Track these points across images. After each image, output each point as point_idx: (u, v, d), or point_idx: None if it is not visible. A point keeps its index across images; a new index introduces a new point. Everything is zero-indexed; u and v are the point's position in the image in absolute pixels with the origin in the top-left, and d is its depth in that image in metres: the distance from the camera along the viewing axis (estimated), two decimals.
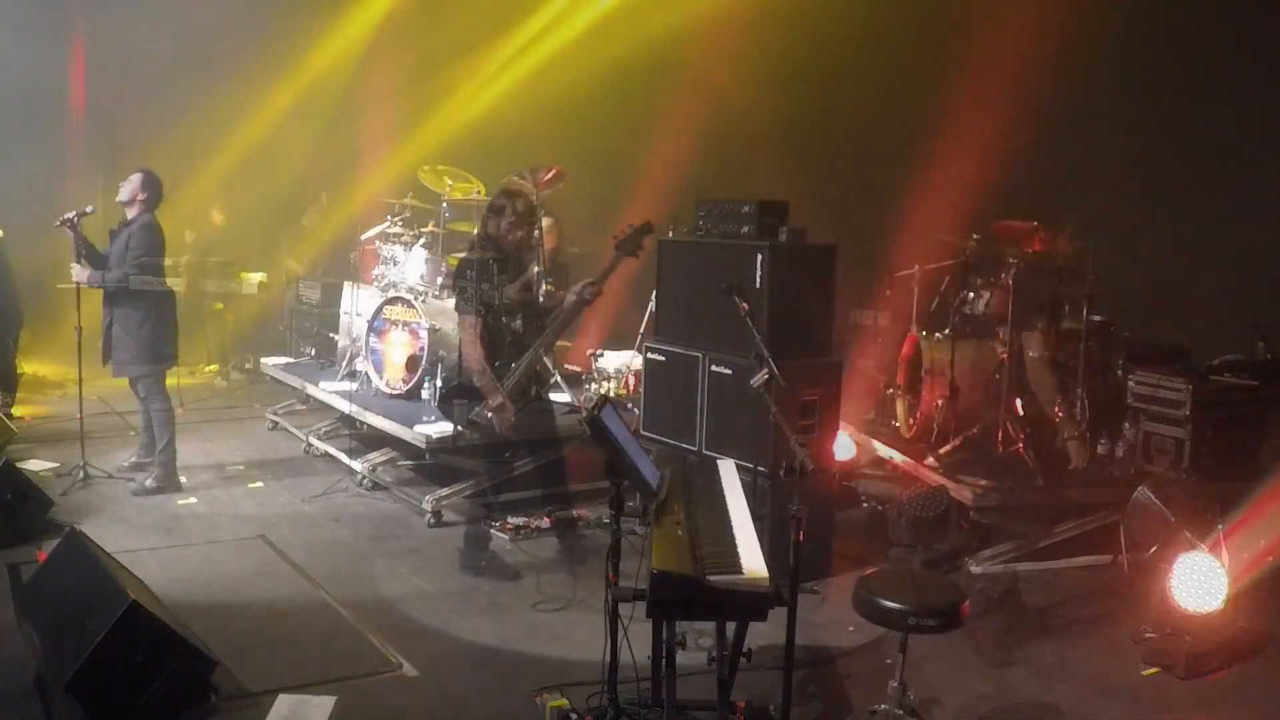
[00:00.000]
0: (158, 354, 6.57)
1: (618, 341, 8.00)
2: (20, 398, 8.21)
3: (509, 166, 7.79)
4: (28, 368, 9.01)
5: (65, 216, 6.41)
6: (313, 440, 7.83)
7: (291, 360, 9.03)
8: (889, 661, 3.82)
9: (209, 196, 11.25)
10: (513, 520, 6.26)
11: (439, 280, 7.81)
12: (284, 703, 3.99)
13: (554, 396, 6.67)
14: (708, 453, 5.43)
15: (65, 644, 3.91)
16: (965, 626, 3.61)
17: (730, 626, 3.56)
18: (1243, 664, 4.58)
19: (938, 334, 7.05)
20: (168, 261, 6.72)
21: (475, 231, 5.06)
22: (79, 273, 6.44)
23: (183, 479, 6.82)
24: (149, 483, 6.63)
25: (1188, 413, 5.99)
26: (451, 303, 7.61)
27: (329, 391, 7.71)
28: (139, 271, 6.36)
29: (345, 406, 7.47)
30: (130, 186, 6.49)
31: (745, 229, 5.50)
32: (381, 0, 10.94)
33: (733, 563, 3.14)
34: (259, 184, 11.36)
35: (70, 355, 6.74)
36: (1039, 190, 7.30)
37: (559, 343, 6.95)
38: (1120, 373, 6.60)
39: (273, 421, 8.60)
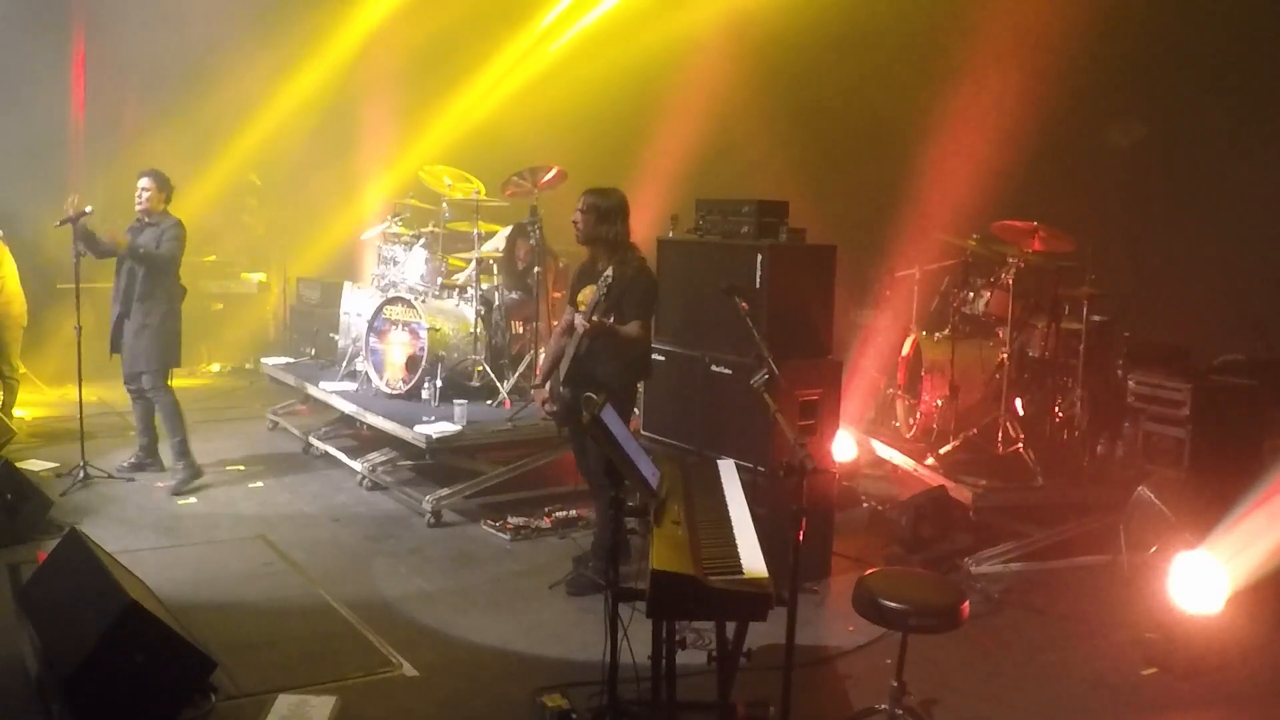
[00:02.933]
0: (168, 352, 6.65)
1: None
2: (20, 398, 8.20)
3: (509, 167, 7.79)
4: (28, 368, 9.01)
5: (66, 217, 6.42)
6: (313, 440, 7.83)
7: (291, 360, 9.03)
8: (889, 661, 3.82)
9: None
10: (513, 520, 6.26)
11: (439, 280, 7.82)
12: (284, 703, 3.99)
13: None
14: (708, 453, 5.43)
15: (65, 644, 3.91)
16: (965, 626, 3.60)
17: (730, 626, 3.56)
18: (1242, 664, 4.58)
19: (938, 334, 7.06)
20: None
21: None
22: (97, 243, 6.44)
23: None
24: (178, 479, 6.70)
25: (1188, 413, 5.98)
26: (450, 303, 7.65)
27: (329, 391, 7.72)
28: (168, 255, 6.48)
29: (345, 406, 7.48)
30: (149, 194, 6.57)
31: (745, 229, 5.49)
32: (384, 2, 10.93)
33: (733, 563, 3.14)
34: (263, 184, 11.38)
35: (70, 355, 6.74)
36: (1039, 190, 7.29)
37: None
38: (1120, 373, 6.60)
39: (273, 421, 8.60)
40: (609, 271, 4.88)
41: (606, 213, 5.09)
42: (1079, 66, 7.28)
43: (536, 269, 7.21)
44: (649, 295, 5.13)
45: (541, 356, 6.55)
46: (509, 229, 7.91)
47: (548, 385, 5.37)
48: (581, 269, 5.33)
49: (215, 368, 10.99)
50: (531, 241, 7.27)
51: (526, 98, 10.64)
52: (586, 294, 5.15)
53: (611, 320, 4.96)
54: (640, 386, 5.77)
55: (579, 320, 4.98)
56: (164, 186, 6.63)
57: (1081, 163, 7.44)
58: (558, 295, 7.68)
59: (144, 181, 6.59)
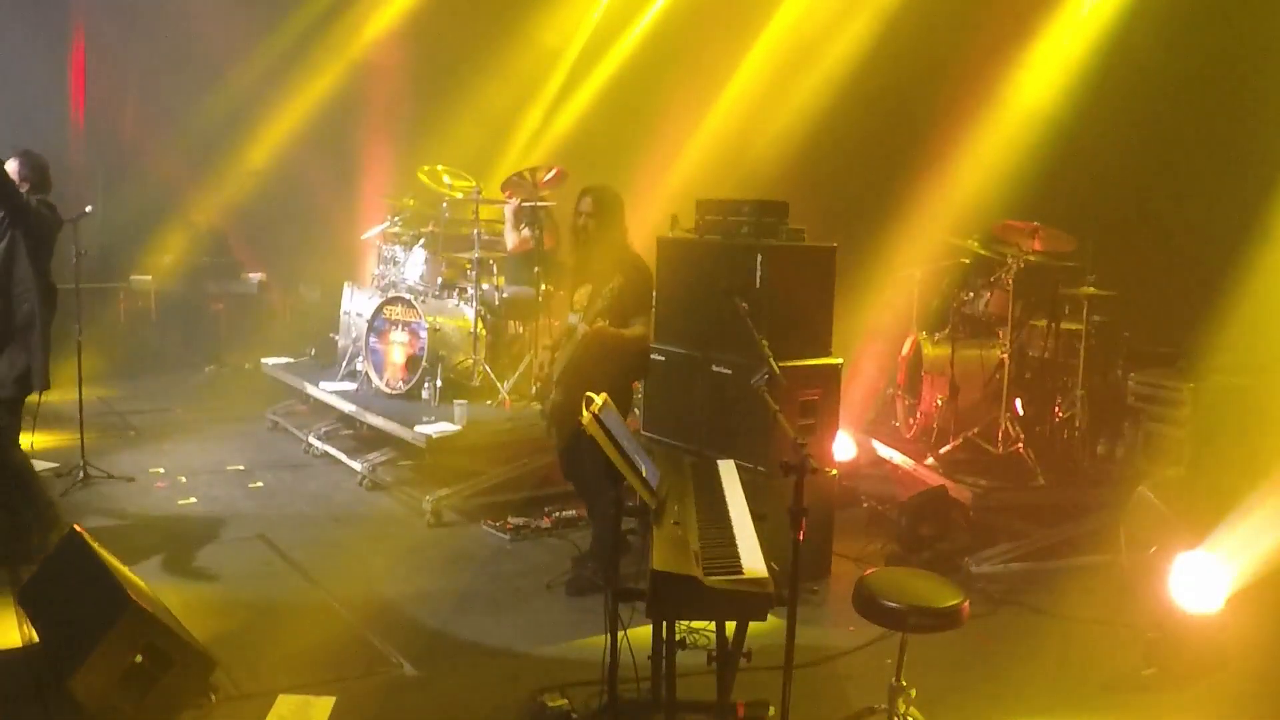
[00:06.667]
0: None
1: None
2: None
3: (508, 167, 7.79)
4: None
5: (66, 218, 6.39)
6: (313, 440, 7.83)
7: (291, 360, 9.03)
8: (889, 661, 3.82)
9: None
10: (513, 520, 6.26)
11: (439, 280, 7.82)
12: (284, 703, 3.99)
13: None
14: (708, 453, 5.42)
15: (65, 644, 3.91)
16: (965, 626, 3.60)
17: (730, 626, 3.56)
18: (1242, 664, 4.58)
19: (938, 334, 7.06)
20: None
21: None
22: None
23: (182, 479, 6.81)
24: None
25: (1188, 413, 5.98)
26: (451, 302, 7.65)
27: (329, 391, 7.71)
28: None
29: (345, 406, 7.48)
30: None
31: (745, 229, 5.49)
32: (391, 4, 10.91)
33: (733, 563, 3.13)
34: (262, 184, 11.37)
35: (69, 355, 6.72)
36: (1039, 190, 7.29)
37: None
38: (1120, 373, 6.60)
39: (273, 421, 8.60)
40: (613, 283, 4.85)
41: (612, 209, 5.07)
42: (1079, 66, 7.27)
43: (537, 268, 7.22)
44: (648, 290, 5.12)
45: (540, 357, 6.56)
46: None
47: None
48: (576, 265, 5.29)
49: (213, 368, 11.00)
50: (531, 242, 7.27)
51: (528, 97, 10.63)
52: (582, 294, 5.14)
53: (609, 323, 4.94)
54: (640, 386, 5.76)
55: (575, 322, 4.95)
56: (34, 172, 5.21)
57: (1082, 162, 7.43)
58: (560, 292, 7.68)
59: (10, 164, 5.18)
